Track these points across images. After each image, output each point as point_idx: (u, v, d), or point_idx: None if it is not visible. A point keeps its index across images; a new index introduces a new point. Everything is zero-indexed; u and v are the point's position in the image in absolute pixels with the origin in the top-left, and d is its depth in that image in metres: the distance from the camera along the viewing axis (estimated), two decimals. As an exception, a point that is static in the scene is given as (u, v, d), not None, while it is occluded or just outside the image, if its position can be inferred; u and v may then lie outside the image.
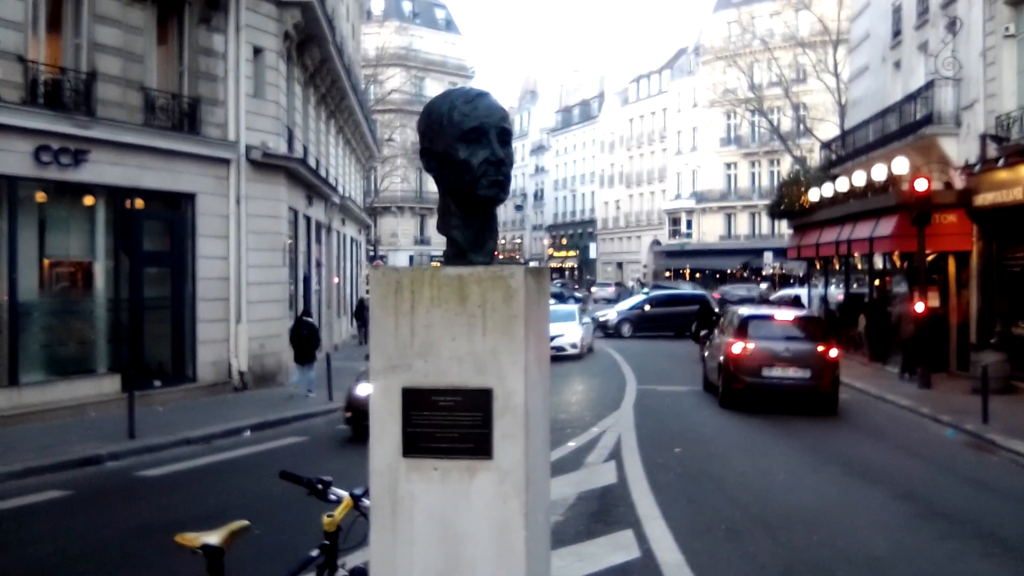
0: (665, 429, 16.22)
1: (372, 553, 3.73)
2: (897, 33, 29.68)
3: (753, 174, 72.90)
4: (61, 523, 10.11)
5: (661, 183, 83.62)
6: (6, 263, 15.94)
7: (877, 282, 29.42)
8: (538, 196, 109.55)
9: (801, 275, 50.30)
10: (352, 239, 40.54)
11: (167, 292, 19.50)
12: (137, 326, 18.45)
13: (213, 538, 4.67)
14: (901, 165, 23.02)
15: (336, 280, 34.01)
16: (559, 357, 25.79)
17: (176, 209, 19.72)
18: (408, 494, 3.66)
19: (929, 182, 21.10)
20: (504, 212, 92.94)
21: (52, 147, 16.34)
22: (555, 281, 74.00)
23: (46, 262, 17.51)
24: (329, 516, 4.73)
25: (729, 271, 69.93)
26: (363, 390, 14.48)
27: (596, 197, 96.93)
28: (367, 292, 33.11)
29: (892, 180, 24.36)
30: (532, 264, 64.42)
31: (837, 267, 34.31)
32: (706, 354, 21.84)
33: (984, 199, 21.09)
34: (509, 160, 3.75)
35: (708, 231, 75.82)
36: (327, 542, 4.75)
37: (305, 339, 19.99)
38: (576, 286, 79.91)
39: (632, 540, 9.02)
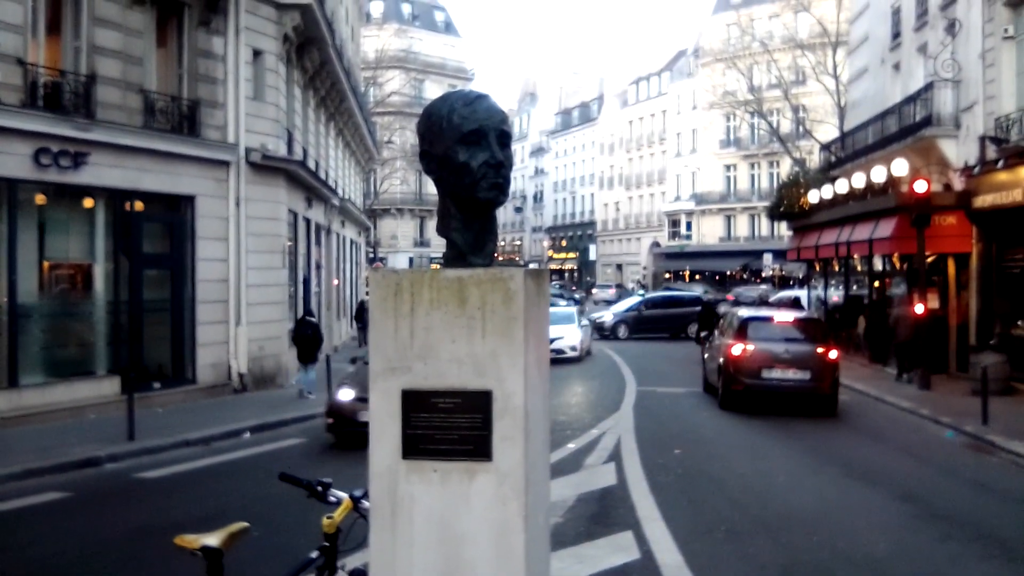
0: (665, 430, 16.22)
1: (372, 555, 3.73)
2: (896, 35, 29.70)
3: (753, 176, 72.92)
4: (60, 525, 10.10)
5: (661, 185, 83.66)
6: (6, 265, 15.95)
7: (877, 284, 29.42)
8: (538, 198, 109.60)
9: (801, 277, 50.33)
10: (352, 241, 40.56)
11: (167, 294, 19.51)
12: (137, 328, 18.45)
13: (212, 540, 4.67)
14: (900, 167, 23.02)
15: (336, 282, 34.02)
16: (558, 360, 25.75)
17: (176, 211, 19.73)
18: (408, 496, 3.67)
19: (928, 184, 21.11)
20: (504, 214, 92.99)
21: (52, 149, 16.35)
22: (552, 283, 74.01)
23: (46, 264, 17.51)
24: (329, 518, 4.73)
25: (729, 273, 69.96)
26: (345, 395, 14.44)
27: (596, 199, 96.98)
28: (367, 294, 33.13)
29: (891, 182, 24.36)
30: (532, 266, 64.38)
31: (837, 269, 34.32)
32: (706, 356, 21.84)
33: (983, 201, 21.10)
34: (509, 162, 3.76)
35: (708, 233, 75.84)
36: (327, 544, 4.75)
37: (309, 339, 20.08)
38: (574, 288, 79.87)
39: (632, 542, 9.02)
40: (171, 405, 18.16)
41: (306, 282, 26.74)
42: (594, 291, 74.39)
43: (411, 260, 76.85)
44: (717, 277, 70.37)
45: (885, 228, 24.21)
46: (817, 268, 37.07)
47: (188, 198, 19.59)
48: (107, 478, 12.68)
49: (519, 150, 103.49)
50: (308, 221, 26.72)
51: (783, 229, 50.15)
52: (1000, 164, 20.36)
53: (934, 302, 23.51)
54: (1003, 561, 8.85)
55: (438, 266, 3.87)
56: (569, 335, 28.66)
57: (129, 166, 17.92)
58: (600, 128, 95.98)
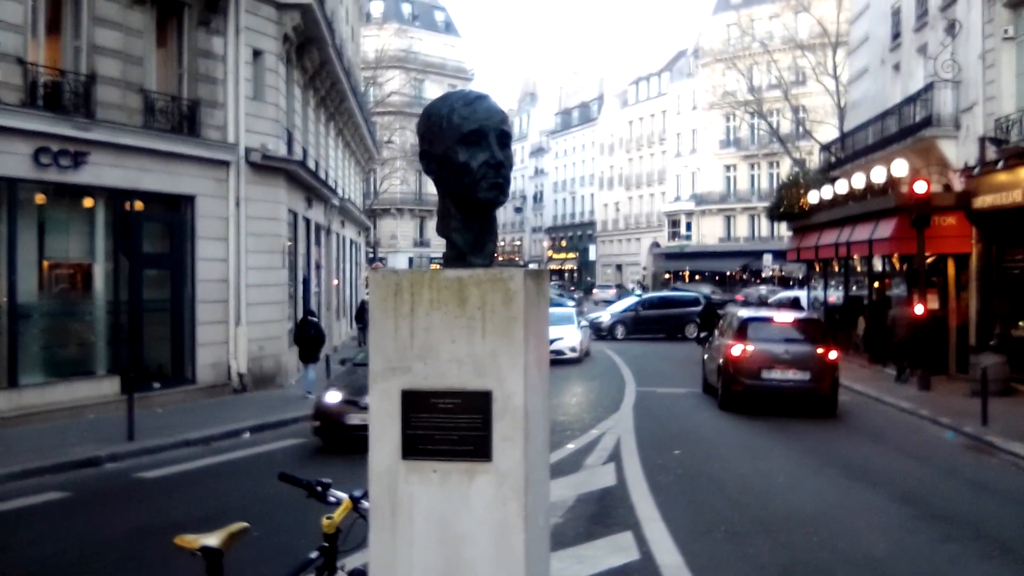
0: (665, 431, 16.22)
1: (371, 555, 3.73)
2: (896, 35, 29.70)
3: (752, 176, 72.94)
4: (60, 525, 10.10)
5: (660, 185, 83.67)
6: (6, 265, 15.95)
7: (876, 284, 29.42)
8: (537, 198, 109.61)
9: (800, 277, 50.33)
10: (351, 241, 40.56)
11: (166, 294, 19.50)
12: (136, 328, 18.45)
13: (212, 540, 4.67)
14: (900, 167, 23.02)
15: (336, 282, 34.02)
16: (558, 361, 25.69)
17: (175, 211, 19.73)
18: (407, 496, 3.67)
19: (928, 184, 21.11)
20: (503, 214, 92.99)
21: (52, 149, 16.35)
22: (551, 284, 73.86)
23: (46, 264, 17.51)
24: (328, 518, 4.73)
25: (728, 273, 69.98)
26: (332, 398, 14.27)
27: (595, 199, 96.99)
28: (367, 294, 33.13)
29: (891, 182, 24.36)
30: (531, 266, 64.35)
31: (836, 269, 34.34)
32: (706, 356, 21.84)
33: (983, 201, 21.09)
34: (509, 162, 3.76)
35: (707, 233, 75.86)
36: (326, 544, 4.75)
37: (313, 339, 20.14)
38: (572, 288, 79.81)
39: (631, 542, 9.02)
40: (171, 405, 18.16)
41: (306, 282, 26.74)
42: (595, 291, 74.38)
43: (411, 260, 76.86)
44: (717, 277, 70.38)
45: (885, 229, 24.21)
46: (817, 269, 37.09)
47: (188, 198, 19.59)
48: (107, 478, 12.68)
49: (519, 150, 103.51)
50: (308, 221, 26.72)
51: (783, 230, 50.15)
52: (1000, 165, 20.36)
53: (934, 303, 23.51)
54: (1003, 562, 8.86)
55: (438, 266, 3.87)
56: (569, 336, 28.58)
57: (129, 166, 17.92)
58: (600, 128, 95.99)
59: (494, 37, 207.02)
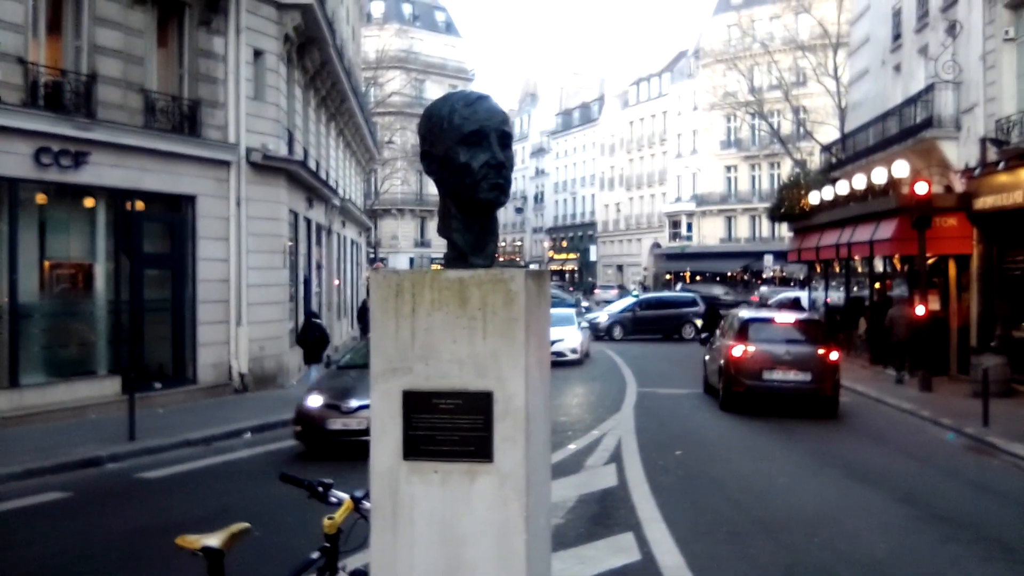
0: (666, 432, 16.21)
1: (372, 555, 3.73)
2: (897, 36, 29.69)
3: (753, 177, 72.91)
4: (61, 524, 10.11)
5: (661, 186, 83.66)
6: (7, 265, 15.95)
7: (877, 285, 29.41)
8: (538, 199, 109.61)
9: (801, 278, 50.26)
10: (352, 241, 40.56)
11: (167, 294, 19.51)
12: (137, 328, 18.45)
13: (213, 540, 4.67)
14: (901, 168, 23.00)
15: (336, 282, 34.03)
16: (559, 363, 25.55)
17: (176, 211, 19.73)
18: (409, 497, 3.67)
19: (929, 185, 21.10)
20: (504, 215, 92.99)
21: (52, 149, 16.35)
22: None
23: (46, 264, 17.52)
24: (330, 518, 4.73)
25: (729, 274, 69.95)
26: (313, 402, 13.88)
27: (596, 200, 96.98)
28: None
29: (892, 183, 24.35)
30: (532, 267, 64.39)
31: (837, 270, 34.33)
32: (707, 357, 21.83)
33: (984, 202, 21.09)
34: (509, 163, 3.76)
35: (708, 234, 75.85)
36: (327, 544, 4.75)
37: (317, 340, 20.20)
38: (571, 288, 79.74)
39: (633, 543, 9.01)
40: (172, 405, 18.16)
41: (307, 282, 26.75)
42: (596, 291, 74.36)
43: (412, 261, 76.89)
44: (718, 278, 70.34)
45: (886, 229, 24.20)
46: (818, 269, 37.08)
47: (189, 198, 19.60)
48: (108, 478, 12.68)
49: (520, 151, 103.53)
50: (309, 221, 26.72)
51: (784, 230, 50.13)
52: (1001, 166, 20.35)
53: (935, 304, 23.50)
54: (1004, 563, 8.85)
55: (439, 267, 3.87)
56: (570, 337, 28.38)
57: (130, 166, 17.92)
58: (601, 129, 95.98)
59: (495, 38, 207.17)
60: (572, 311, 32.71)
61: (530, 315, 3.65)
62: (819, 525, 9.99)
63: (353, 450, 12.42)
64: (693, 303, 41.77)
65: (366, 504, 4.50)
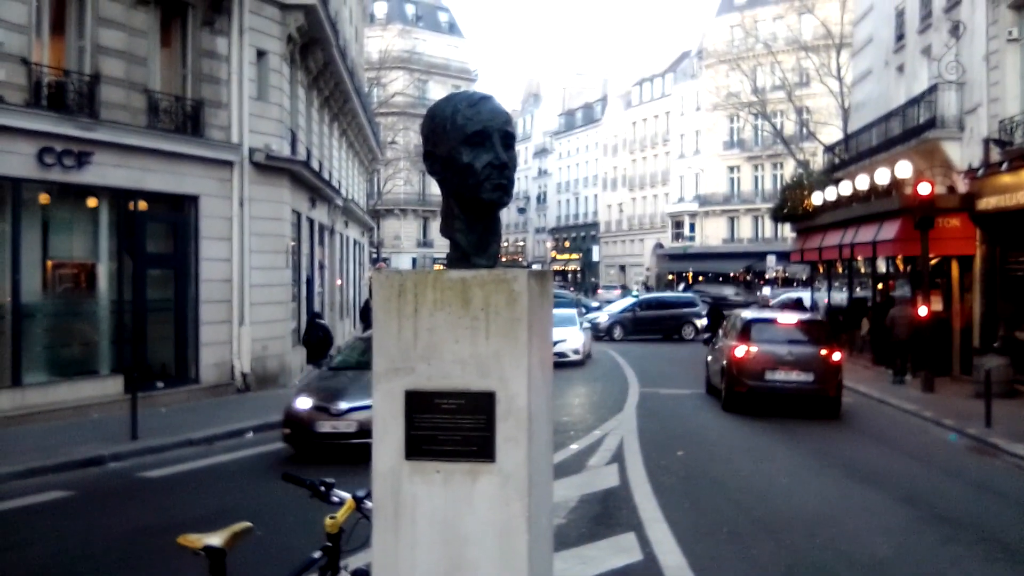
0: (668, 432, 16.21)
1: (374, 555, 3.73)
2: (900, 37, 29.69)
3: (756, 177, 72.87)
4: (63, 524, 10.12)
5: (664, 186, 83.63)
6: (10, 265, 15.97)
7: (880, 286, 29.40)
8: (541, 199, 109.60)
9: (804, 278, 50.24)
10: (355, 241, 40.58)
11: (170, 294, 19.53)
12: (140, 328, 18.46)
13: (215, 539, 4.67)
14: (904, 169, 23.00)
15: (339, 282, 34.04)
16: (561, 364, 25.41)
17: (179, 211, 19.75)
18: (411, 496, 3.67)
19: (932, 186, 21.09)
20: (507, 215, 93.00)
21: (56, 149, 16.36)
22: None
23: (49, 264, 17.54)
24: (332, 518, 4.73)
25: (732, 274, 69.93)
26: (302, 403, 13.52)
27: (599, 200, 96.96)
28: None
29: (895, 184, 24.34)
30: (535, 267, 64.45)
31: (840, 271, 34.33)
32: (709, 357, 21.83)
33: (987, 203, 21.08)
34: (512, 163, 3.76)
35: (711, 234, 75.82)
36: (329, 544, 4.75)
37: (321, 340, 20.23)
38: (572, 288, 79.71)
39: (634, 543, 9.02)
40: (174, 404, 18.18)
41: (309, 282, 26.77)
42: (600, 291, 74.34)
43: (414, 261, 76.92)
44: (720, 279, 70.30)
45: (889, 230, 24.19)
46: (821, 270, 37.08)
47: (192, 198, 19.61)
48: (110, 477, 12.69)
49: (522, 151, 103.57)
50: (312, 221, 26.73)
51: (787, 231, 50.07)
52: (1004, 166, 20.34)
53: (938, 305, 23.48)
54: (1006, 564, 8.85)
55: (442, 267, 3.87)
56: (572, 338, 28.12)
57: (133, 166, 17.93)
58: (604, 129, 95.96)
59: (498, 38, 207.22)
60: (574, 311, 32.48)
61: (533, 315, 3.66)
62: (821, 525, 9.99)
63: (342, 453, 12.44)
64: (693, 304, 42.02)
65: (368, 504, 4.51)
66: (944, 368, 22.44)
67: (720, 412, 18.67)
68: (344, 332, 34.73)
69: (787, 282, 59.93)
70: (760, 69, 55.72)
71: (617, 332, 39.19)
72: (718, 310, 33.20)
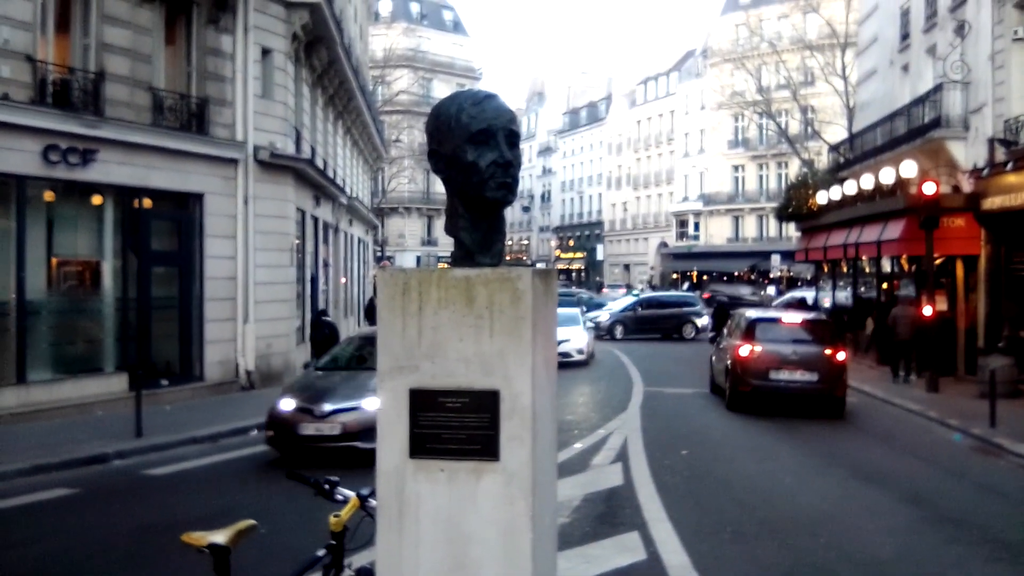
0: (672, 431, 16.19)
1: (378, 553, 3.74)
2: (905, 36, 29.63)
3: (761, 177, 72.81)
4: (67, 521, 10.13)
5: (668, 185, 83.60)
6: (14, 262, 15.99)
7: (885, 285, 29.36)
8: (545, 198, 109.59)
9: (809, 278, 50.19)
10: (359, 239, 40.60)
11: (175, 292, 19.55)
12: (145, 325, 18.48)
13: (219, 537, 4.67)
14: (909, 168, 22.96)
15: (343, 280, 34.07)
16: (564, 364, 25.26)
17: (184, 209, 19.76)
18: (415, 495, 3.67)
19: (937, 186, 21.04)
20: (511, 214, 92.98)
21: (60, 146, 16.39)
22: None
23: (54, 261, 17.56)
24: (336, 516, 4.73)
25: (736, 273, 69.89)
26: (286, 405, 13.07)
27: (603, 199, 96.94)
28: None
29: (900, 183, 24.31)
30: (539, 266, 64.41)
31: (845, 270, 34.29)
32: (713, 357, 21.81)
33: (992, 203, 21.04)
34: (517, 162, 3.76)
35: (715, 233, 75.77)
36: (333, 542, 4.75)
37: (327, 338, 20.22)
38: (574, 287, 79.64)
39: (638, 542, 9.01)
40: (179, 402, 18.20)
41: (314, 280, 26.78)
42: (604, 290, 74.33)
43: (418, 259, 76.95)
44: (725, 278, 70.28)
45: (893, 230, 24.16)
46: (825, 269, 37.04)
47: (196, 196, 19.63)
48: (114, 475, 12.70)
49: (527, 149, 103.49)
50: (316, 219, 26.75)
51: (791, 230, 50.07)
52: (1009, 166, 20.31)
53: (943, 304, 23.45)
54: (1010, 564, 8.82)
55: (446, 265, 3.87)
56: (576, 338, 27.93)
57: (138, 163, 17.95)
58: (608, 128, 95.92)
59: (502, 36, 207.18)
60: (577, 311, 32.36)
61: (537, 314, 3.66)
62: (824, 525, 9.98)
63: (326, 457, 12.10)
64: (692, 303, 42.34)
65: (372, 502, 4.51)
66: (949, 368, 22.41)
67: (724, 411, 18.66)
68: (348, 330, 34.70)
69: (791, 282, 59.82)
70: (765, 68, 55.67)
71: (618, 331, 39.27)
72: (723, 309, 33.18)
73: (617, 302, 46.31)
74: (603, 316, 40.88)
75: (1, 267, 15.97)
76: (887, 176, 24.76)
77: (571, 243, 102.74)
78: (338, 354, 15.57)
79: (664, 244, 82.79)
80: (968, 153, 23.11)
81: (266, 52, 21.25)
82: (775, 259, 55.46)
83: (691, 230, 78.94)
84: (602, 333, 38.16)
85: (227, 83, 20.28)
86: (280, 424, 13.01)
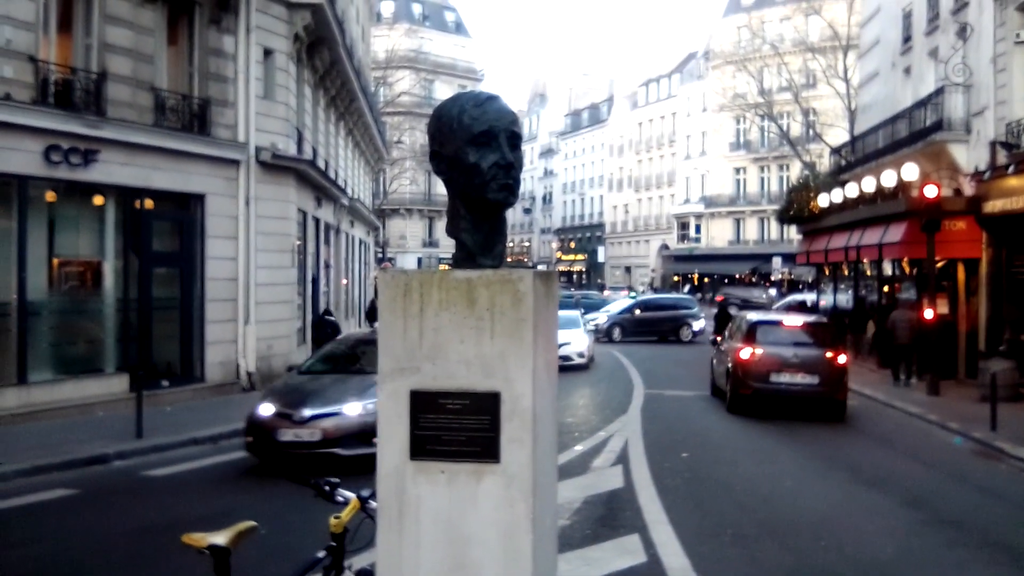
0: (672, 434, 16.18)
1: (378, 555, 3.74)
2: (907, 39, 29.63)
3: (762, 179, 72.84)
4: (68, 521, 10.13)
5: (670, 187, 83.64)
6: (16, 262, 15.99)
7: (886, 288, 29.34)
8: (547, 199, 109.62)
9: (810, 281, 50.18)
10: (360, 241, 40.61)
11: (176, 292, 19.55)
12: (146, 326, 18.46)
13: (220, 538, 4.67)
14: (911, 171, 22.96)
15: (344, 282, 34.08)
16: (565, 367, 25.04)
17: (185, 210, 19.76)
18: (415, 497, 3.67)
19: (939, 188, 21.04)
20: (512, 215, 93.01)
21: (62, 147, 16.39)
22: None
23: (55, 261, 17.55)
24: (336, 517, 4.73)
25: (738, 276, 69.89)
26: (265, 410, 12.61)
27: (605, 201, 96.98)
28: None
29: (902, 186, 24.31)
30: (540, 268, 64.32)
31: (846, 273, 34.28)
32: (714, 360, 21.81)
33: (994, 206, 21.03)
34: (519, 164, 3.76)
35: (717, 236, 75.79)
36: (334, 543, 4.75)
37: (329, 337, 20.22)
38: (572, 288, 79.60)
39: (638, 545, 9.00)
40: (179, 403, 18.19)
41: (315, 281, 26.78)
42: (607, 293, 74.38)
43: (420, 260, 76.99)
44: (726, 280, 70.30)
45: (895, 233, 24.15)
46: (826, 272, 37.04)
47: (198, 196, 19.63)
48: (115, 475, 12.70)
49: (528, 151, 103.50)
50: (317, 220, 26.75)
51: (792, 233, 50.08)
52: (1011, 169, 20.30)
53: (944, 308, 23.44)
54: (1011, 568, 8.82)
55: (447, 267, 3.87)
56: (576, 341, 27.70)
57: (139, 164, 17.95)
58: (610, 130, 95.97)
59: (504, 38, 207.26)
60: (577, 313, 32.18)
61: (538, 316, 3.66)
62: (825, 528, 9.97)
63: (305, 465, 11.73)
64: (690, 305, 42.41)
65: (372, 503, 4.50)
66: (950, 371, 22.41)
67: (725, 414, 18.64)
68: (349, 331, 34.73)
69: (793, 284, 59.84)
70: (767, 70, 55.73)
71: (616, 333, 39.31)
72: (725, 311, 33.18)
73: (615, 304, 46.27)
74: (601, 318, 40.87)
75: (2, 267, 15.96)
76: (888, 179, 24.76)
77: (572, 245, 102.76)
78: (323, 357, 15.10)
79: (665, 246, 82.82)
80: (970, 156, 23.10)
81: (268, 53, 21.25)
82: (776, 262, 55.46)
83: (692, 232, 78.97)
84: (600, 335, 38.14)
85: (229, 84, 20.29)
86: (259, 429, 12.52)
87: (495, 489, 3.61)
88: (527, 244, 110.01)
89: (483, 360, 3.63)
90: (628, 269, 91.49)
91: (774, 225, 63.17)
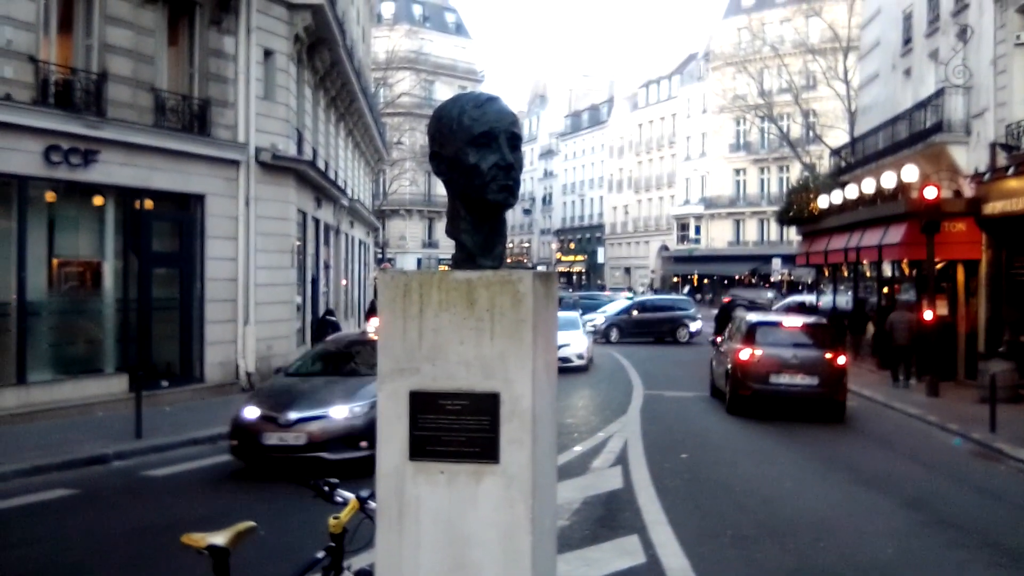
0: (672, 435, 16.18)
1: (378, 555, 3.74)
2: (908, 41, 29.63)
3: (762, 180, 72.84)
4: (67, 522, 10.13)
5: (670, 188, 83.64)
6: (15, 262, 15.98)
7: (886, 290, 29.34)
8: (547, 200, 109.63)
9: (810, 282, 50.19)
10: (360, 241, 40.60)
11: (175, 293, 19.54)
12: (145, 326, 18.47)
13: (219, 539, 4.67)
14: (910, 173, 22.97)
15: (344, 282, 34.07)
16: (564, 369, 24.91)
17: (185, 210, 19.76)
18: (414, 497, 3.67)
19: (938, 190, 21.04)
20: (512, 216, 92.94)
21: (62, 147, 16.38)
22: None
23: (55, 262, 17.54)
24: (335, 518, 4.73)
25: (737, 277, 69.89)
26: (250, 413, 12.40)
27: (605, 202, 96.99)
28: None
29: (901, 188, 24.31)
30: (540, 269, 64.35)
31: (846, 274, 34.28)
32: (714, 361, 21.80)
33: (993, 208, 21.03)
34: (519, 165, 3.77)
35: (717, 237, 75.79)
36: (333, 544, 4.76)
37: None
38: (571, 289, 79.57)
39: (638, 545, 9.00)
40: (179, 403, 18.19)
41: (314, 282, 26.78)
42: (607, 293, 74.35)
43: (419, 261, 77.00)
44: (725, 281, 70.30)
45: (895, 234, 24.16)
46: (826, 273, 37.05)
47: (198, 197, 19.63)
48: (114, 476, 12.70)
49: (528, 152, 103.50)
50: (317, 221, 26.75)
51: (792, 234, 50.06)
52: (1010, 171, 20.30)
53: (943, 309, 23.45)
54: (1010, 569, 8.83)
55: (447, 268, 3.87)
56: (575, 342, 27.48)
57: (139, 164, 17.95)
58: (610, 131, 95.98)
59: (505, 39, 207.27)
60: (576, 314, 32.06)
61: (538, 317, 3.66)
62: (824, 529, 9.98)
63: (290, 469, 11.58)
64: (687, 306, 42.48)
65: (372, 504, 4.51)
66: (949, 373, 22.40)
67: (724, 415, 18.64)
68: (348, 332, 34.72)
69: (792, 286, 59.86)
70: (767, 72, 55.77)
71: (614, 334, 39.32)
72: (726, 312, 33.18)
73: (612, 304, 46.27)
74: (599, 319, 40.85)
75: (2, 267, 15.95)
76: (888, 180, 24.76)
77: (572, 246, 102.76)
78: (311, 358, 14.92)
79: (665, 247, 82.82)
80: (970, 157, 23.10)
81: (268, 54, 21.25)
82: (776, 263, 55.48)
83: (692, 233, 78.97)
84: (597, 336, 38.10)
85: (229, 84, 20.29)
86: (243, 432, 12.32)
87: (495, 490, 3.62)
88: (527, 245, 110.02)
89: (483, 361, 3.64)
90: (628, 270, 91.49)
91: (774, 226, 63.18)
